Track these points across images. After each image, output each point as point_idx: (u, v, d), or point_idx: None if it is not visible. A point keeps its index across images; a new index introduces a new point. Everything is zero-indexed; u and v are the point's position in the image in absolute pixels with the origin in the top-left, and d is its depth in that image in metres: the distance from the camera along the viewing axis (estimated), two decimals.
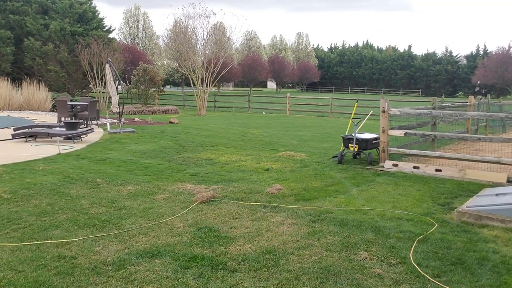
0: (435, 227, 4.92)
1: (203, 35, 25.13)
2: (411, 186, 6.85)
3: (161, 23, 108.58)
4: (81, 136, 11.52)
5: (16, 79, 25.58)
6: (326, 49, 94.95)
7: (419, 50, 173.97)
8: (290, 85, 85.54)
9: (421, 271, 3.77)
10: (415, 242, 4.43)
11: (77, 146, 10.58)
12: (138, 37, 58.47)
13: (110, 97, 15.12)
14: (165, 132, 13.93)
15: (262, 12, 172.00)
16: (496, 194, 5.65)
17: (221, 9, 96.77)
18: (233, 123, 18.01)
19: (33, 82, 21.93)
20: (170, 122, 17.30)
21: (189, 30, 24.64)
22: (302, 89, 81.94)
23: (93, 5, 32.84)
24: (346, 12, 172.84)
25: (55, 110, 19.15)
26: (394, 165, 8.15)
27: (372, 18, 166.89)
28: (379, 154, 8.70)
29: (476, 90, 63.46)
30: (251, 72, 63.05)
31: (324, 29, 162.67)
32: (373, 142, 8.93)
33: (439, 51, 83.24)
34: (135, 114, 21.89)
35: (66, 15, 29.73)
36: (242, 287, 3.47)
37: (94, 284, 3.48)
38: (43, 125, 12.83)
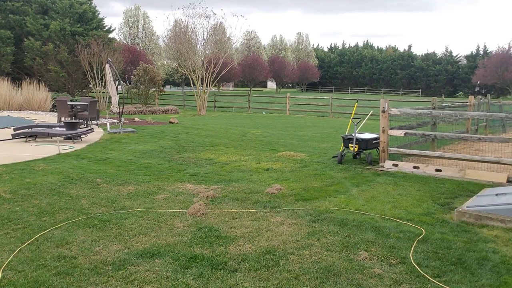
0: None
1: (203, 35, 25.12)
2: (411, 186, 6.85)
3: (161, 23, 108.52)
4: (81, 136, 11.51)
5: (16, 79, 25.59)
6: (326, 49, 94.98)
7: (419, 50, 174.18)
8: (290, 85, 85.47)
9: (421, 271, 3.77)
10: (415, 242, 4.43)
11: (77, 146, 10.58)
12: (138, 37, 58.38)
13: (110, 97, 15.12)
14: (165, 132, 13.93)
15: (281, 13, 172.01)
16: (496, 194, 5.65)
17: (221, 9, 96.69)
18: (233, 123, 18.01)
19: (33, 82, 21.93)
20: (170, 122, 17.30)
21: (189, 30, 24.63)
22: (302, 89, 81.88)
23: (93, 5, 32.84)
24: (348, 13, 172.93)
25: (55, 110, 19.15)
26: (394, 165, 8.15)
27: (372, 18, 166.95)
28: (379, 154, 8.70)
29: (476, 90, 63.39)
30: (251, 72, 62.95)
31: (324, 29, 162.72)
32: (373, 142, 8.93)
33: (439, 51, 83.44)
34: (135, 114, 21.89)
35: (66, 15, 29.73)
36: (242, 287, 3.48)
37: (94, 284, 3.48)
38: (43, 125, 12.83)
